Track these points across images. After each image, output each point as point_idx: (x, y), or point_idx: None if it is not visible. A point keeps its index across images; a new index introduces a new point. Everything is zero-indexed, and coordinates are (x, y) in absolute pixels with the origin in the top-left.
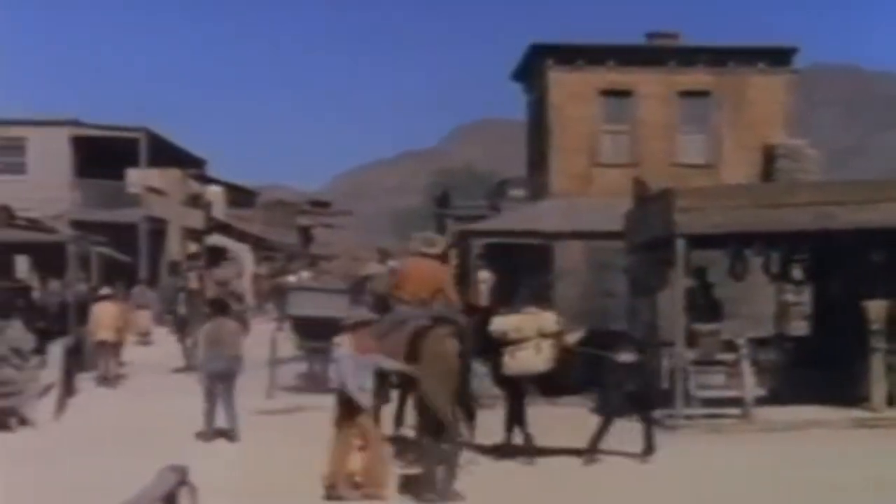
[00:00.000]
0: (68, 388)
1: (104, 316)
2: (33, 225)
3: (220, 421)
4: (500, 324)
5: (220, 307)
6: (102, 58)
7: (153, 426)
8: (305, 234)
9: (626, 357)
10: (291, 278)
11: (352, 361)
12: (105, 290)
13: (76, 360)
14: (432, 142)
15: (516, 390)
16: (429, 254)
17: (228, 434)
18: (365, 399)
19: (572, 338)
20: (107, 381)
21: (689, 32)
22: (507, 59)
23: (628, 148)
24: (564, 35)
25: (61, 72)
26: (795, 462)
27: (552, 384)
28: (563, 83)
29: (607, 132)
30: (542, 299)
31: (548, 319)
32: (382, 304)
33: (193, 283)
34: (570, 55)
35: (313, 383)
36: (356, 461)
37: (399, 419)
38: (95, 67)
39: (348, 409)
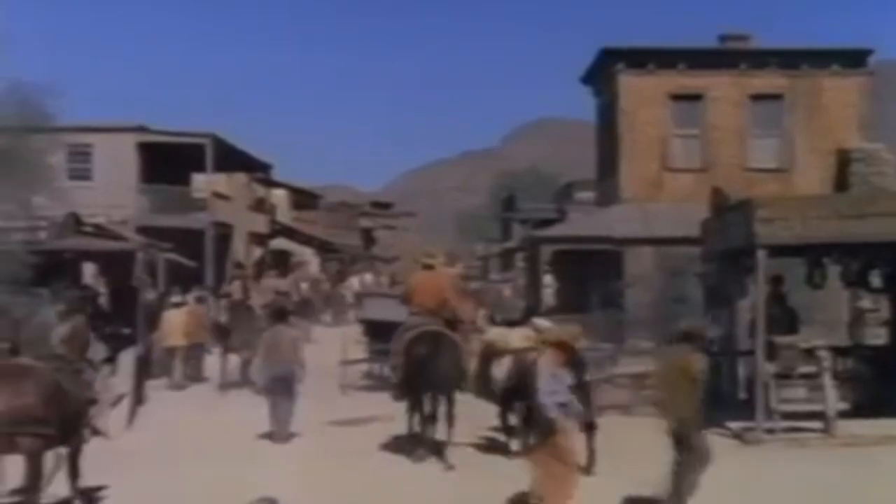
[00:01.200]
0: (138, 397)
1: (175, 322)
2: (101, 231)
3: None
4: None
5: (279, 315)
6: (168, 62)
7: (221, 434)
8: (368, 236)
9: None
10: (354, 281)
11: (549, 377)
12: (177, 298)
13: (146, 369)
14: (493, 142)
15: None
16: (432, 266)
17: (280, 436)
18: (562, 417)
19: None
20: (178, 386)
21: (760, 34)
22: (567, 57)
23: (699, 152)
24: (625, 33)
25: (127, 76)
26: (883, 479)
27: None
28: (633, 87)
29: (678, 136)
30: (613, 306)
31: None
32: None
33: (236, 294)
34: (641, 59)
35: (381, 382)
36: (573, 484)
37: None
38: (161, 71)
39: (546, 430)
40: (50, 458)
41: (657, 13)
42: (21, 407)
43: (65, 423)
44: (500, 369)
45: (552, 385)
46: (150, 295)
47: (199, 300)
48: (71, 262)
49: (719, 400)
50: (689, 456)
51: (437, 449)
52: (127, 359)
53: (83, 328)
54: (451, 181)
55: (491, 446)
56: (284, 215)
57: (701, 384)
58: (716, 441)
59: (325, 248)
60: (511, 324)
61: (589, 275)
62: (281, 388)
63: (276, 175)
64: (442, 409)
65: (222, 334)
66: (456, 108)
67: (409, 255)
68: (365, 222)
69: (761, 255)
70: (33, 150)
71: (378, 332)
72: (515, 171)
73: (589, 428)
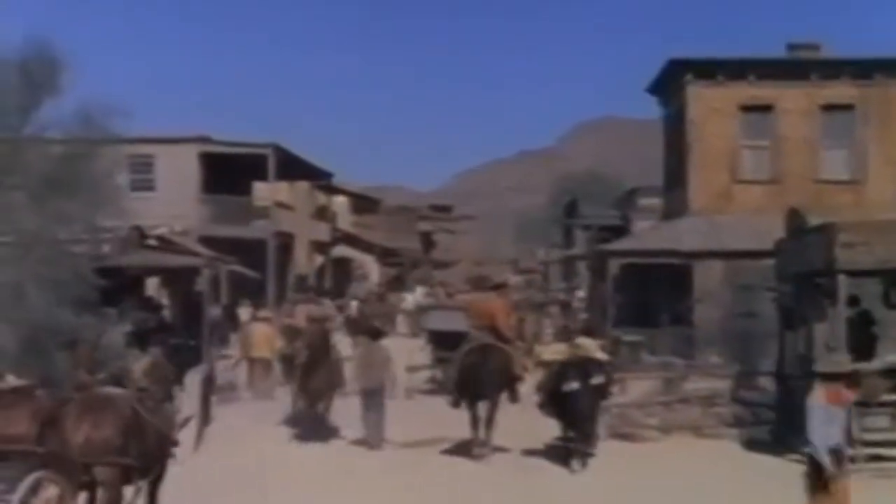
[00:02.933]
0: (205, 418)
1: (259, 336)
2: (164, 244)
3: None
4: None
5: (374, 333)
6: (227, 67)
7: (300, 455)
8: (427, 240)
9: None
10: (408, 297)
11: (822, 415)
12: (263, 313)
13: (211, 388)
14: (550, 141)
15: None
16: (486, 289)
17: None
18: (834, 461)
19: None
20: (262, 395)
21: (830, 43)
22: (625, 56)
23: (769, 164)
24: (683, 31)
25: (189, 86)
26: None
27: None
28: (702, 98)
29: (748, 148)
30: (682, 321)
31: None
32: None
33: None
34: (710, 70)
35: (442, 388)
36: None
37: None
38: (220, 77)
39: (818, 473)
40: (129, 491)
41: (718, 16)
42: (100, 437)
43: (145, 454)
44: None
45: (824, 425)
46: (215, 310)
47: (264, 319)
48: (135, 277)
49: (795, 423)
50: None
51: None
52: (193, 379)
53: (163, 361)
54: (508, 181)
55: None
56: (345, 221)
57: None
58: (793, 469)
59: (385, 254)
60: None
61: (656, 288)
62: (372, 400)
63: (339, 176)
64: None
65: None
66: (512, 108)
67: (468, 258)
68: (424, 226)
69: (843, 280)
70: (99, 172)
71: (440, 340)
72: (575, 173)
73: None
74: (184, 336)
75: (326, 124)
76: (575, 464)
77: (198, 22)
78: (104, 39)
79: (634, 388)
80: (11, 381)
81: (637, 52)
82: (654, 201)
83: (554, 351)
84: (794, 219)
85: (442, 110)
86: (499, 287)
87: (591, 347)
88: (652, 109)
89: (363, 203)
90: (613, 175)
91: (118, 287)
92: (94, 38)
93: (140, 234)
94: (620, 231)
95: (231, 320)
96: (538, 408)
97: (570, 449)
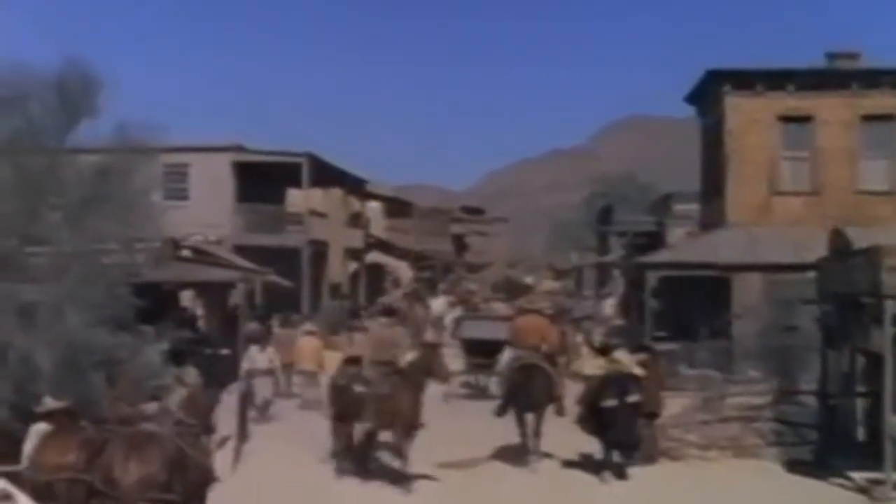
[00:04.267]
0: (243, 435)
1: (307, 349)
2: (198, 254)
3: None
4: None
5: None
6: (259, 71)
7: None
8: (460, 243)
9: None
10: (434, 303)
11: None
12: (309, 327)
13: (248, 405)
14: (582, 140)
15: None
16: (534, 310)
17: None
18: None
19: None
20: (309, 405)
21: (869, 51)
22: (656, 56)
23: (809, 175)
24: (715, 33)
25: (220, 91)
26: None
27: None
28: (740, 109)
29: (787, 159)
30: (721, 335)
31: None
32: None
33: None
34: (748, 80)
35: (478, 392)
36: None
37: None
38: (251, 81)
39: None
40: None
41: (751, 22)
42: (146, 474)
43: (187, 489)
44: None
45: None
46: (252, 325)
47: (311, 332)
48: (171, 291)
49: (838, 444)
50: None
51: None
52: (231, 399)
53: (201, 391)
54: (540, 180)
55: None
56: (378, 226)
57: None
58: (839, 495)
59: (417, 259)
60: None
61: (693, 300)
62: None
63: (372, 177)
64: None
65: None
66: (544, 107)
67: (501, 260)
68: (456, 228)
69: (890, 305)
70: (135, 190)
71: (474, 348)
72: (608, 175)
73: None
74: (218, 345)
75: (360, 126)
76: (607, 475)
77: (227, 29)
78: (136, 45)
79: (672, 403)
80: (49, 402)
81: (668, 50)
82: (690, 207)
83: (594, 366)
84: (837, 239)
85: (474, 110)
86: (526, 289)
87: (629, 363)
88: (683, 108)
89: (396, 207)
90: (646, 174)
91: (154, 302)
92: (127, 45)
93: (174, 245)
94: (656, 237)
95: (268, 333)
96: (577, 423)
97: (605, 463)
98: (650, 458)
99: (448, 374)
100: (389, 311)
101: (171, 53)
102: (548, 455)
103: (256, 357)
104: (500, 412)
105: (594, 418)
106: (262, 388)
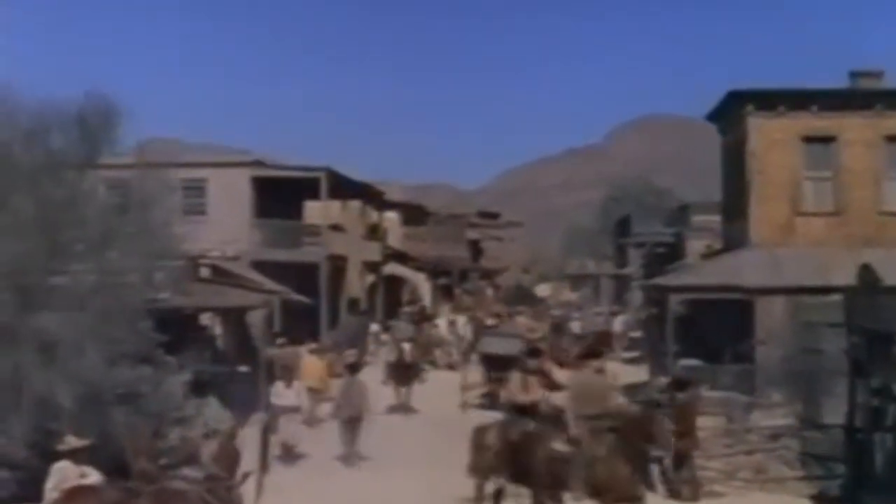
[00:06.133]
0: (265, 466)
1: (311, 367)
2: (218, 275)
3: None
4: None
5: (352, 368)
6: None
7: None
8: (475, 248)
9: None
10: (439, 323)
11: None
12: (313, 346)
13: (270, 437)
14: (596, 139)
15: None
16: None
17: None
18: None
19: None
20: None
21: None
22: (671, 55)
23: (832, 196)
24: (728, 30)
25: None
26: None
27: None
28: (763, 130)
29: (810, 179)
30: (744, 359)
31: None
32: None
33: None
34: (771, 101)
35: (494, 402)
36: None
37: None
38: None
39: None
40: None
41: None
42: None
43: None
44: None
45: None
46: (272, 350)
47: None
48: (190, 314)
49: (866, 479)
50: None
51: None
52: (252, 432)
53: (232, 445)
54: (555, 178)
55: None
56: (395, 235)
57: None
58: None
59: (434, 267)
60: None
61: (716, 321)
62: (351, 427)
63: (386, 176)
64: None
65: None
66: (558, 106)
67: (516, 265)
68: (472, 234)
69: None
70: (156, 222)
71: (493, 362)
72: (624, 180)
73: None
74: (234, 362)
75: (375, 125)
76: None
77: (232, 29)
78: (147, 46)
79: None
80: (72, 441)
81: (683, 50)
82: (709, 219)
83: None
84: (867, 274)
85: (488, 109)
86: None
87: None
88: (694, 108)
89: (413, 213)
90: (658, 173)
91: (174, 326)
92: (135, 45)
93: (193, 264)
94: (674, 248)
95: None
96: None
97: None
98: (695, 497)
99: (670, 444)
100: (535, 352)
101: (180, 53)
102: None
103: (282, 392)
104: None
105: None
106: (288, 424)
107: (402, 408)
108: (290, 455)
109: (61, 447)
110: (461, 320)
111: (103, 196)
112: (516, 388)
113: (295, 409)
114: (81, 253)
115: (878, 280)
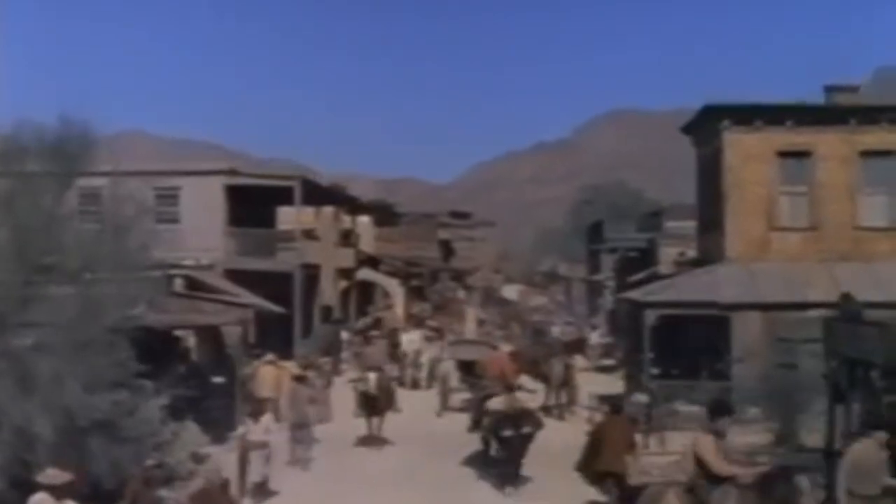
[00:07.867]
0: (242, 488)
1: (266, 377)
2: (192, 287)
3: None
4: None
5: (299, 378)
6: (239, 66)
7: None
8: (447, 248)
9: None
10: (404, 338)
11: None
12: (269, 357)
13: (246, 459)
14: (566, 133)
15: None
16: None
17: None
18: None
19: None
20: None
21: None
22: (641, 49)
23: (807, 211)
24: (700, 25)
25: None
26: None
27: None
28: (739, 144)
29: (785, 194)
30: (720, 375)
31: None
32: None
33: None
34: (747, 116)
35: (469, 405)
36: None
37: None
38: (232, 75)
39: None
40: None
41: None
42: None
43: None
44: None
45: None
46: (246, 369)
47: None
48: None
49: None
50: None
51: None
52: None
53: (217, 488)
54: (526, 172)
55: None
56: (368, 238)
57: None
58: None
59: (406, 270)
60: None
61: (692, 335)
62: (300, 431)
63: (357, 169)
64: None
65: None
66: (528, 99)
67: (488, 265)
68: (444, 234)
69: None
70: (133, 247)
71: (467, 367)
72: (597, 180)
73: None
74: (209, 373)
75: (345, 119)
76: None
77: (198, 20)
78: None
79: (673, 441)
80: (52, 474)
81: (653, 43)
82: (682, 224)
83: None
84: (847, 303)
85: (458, 103)
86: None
87: None
88: (664, 102)
89: (384, 215)
90: (629, 168)
91: (150, 342)
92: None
93: (167, 277)
94: (647, 255)
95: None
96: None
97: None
98: None
99: None
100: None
101: (152, 49)
102: None
103: (252, 428)
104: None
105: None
106: (257, 462)
107: (374, 440)
108: (262, 493)
109: (41, 479)
110: (417, 335)
111: (77, 220)
112: (709, 453)
113: (264, 445)
114: (58, 279)
115: (859, 311)
